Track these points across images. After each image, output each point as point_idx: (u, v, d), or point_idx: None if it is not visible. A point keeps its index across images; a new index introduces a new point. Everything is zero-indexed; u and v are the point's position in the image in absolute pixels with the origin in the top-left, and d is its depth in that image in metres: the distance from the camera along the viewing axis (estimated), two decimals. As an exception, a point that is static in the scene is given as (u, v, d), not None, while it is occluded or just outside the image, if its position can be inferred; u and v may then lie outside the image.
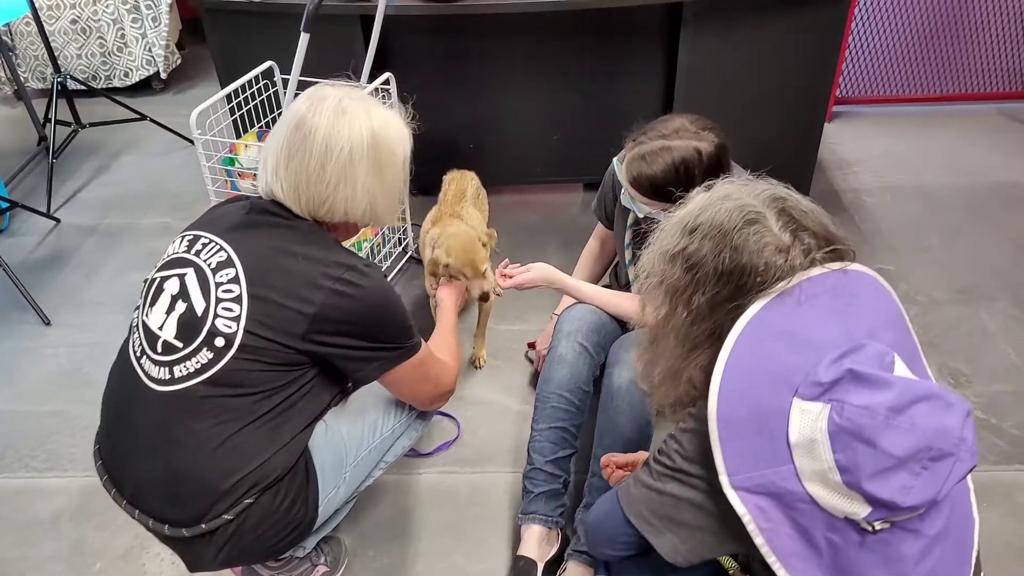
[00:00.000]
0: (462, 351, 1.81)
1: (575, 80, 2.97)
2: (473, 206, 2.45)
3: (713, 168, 1.66)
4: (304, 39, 2.02)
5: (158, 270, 1.47)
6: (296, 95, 1.57)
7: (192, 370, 1.37)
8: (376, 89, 2.48)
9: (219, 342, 1.37)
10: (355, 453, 1.62)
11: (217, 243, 1.44)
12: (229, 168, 2.27)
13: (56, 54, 4.06)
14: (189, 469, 1.39)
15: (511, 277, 1.97)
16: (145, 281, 1.50)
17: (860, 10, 3.62)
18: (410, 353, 1.53)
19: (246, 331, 1.37)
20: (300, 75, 2.48)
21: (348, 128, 1.43)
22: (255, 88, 2.55)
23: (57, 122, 3.49)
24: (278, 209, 1.48)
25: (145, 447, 1.42)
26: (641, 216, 1.83)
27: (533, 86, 2.98)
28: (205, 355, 1.37)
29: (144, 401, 1.41)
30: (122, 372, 1.48)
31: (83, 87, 3.79)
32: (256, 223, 1.47)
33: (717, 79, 2.78)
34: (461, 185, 2.48)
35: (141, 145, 3.77)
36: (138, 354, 1.44)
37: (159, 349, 1.40)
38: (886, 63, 3.80)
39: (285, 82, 2.61)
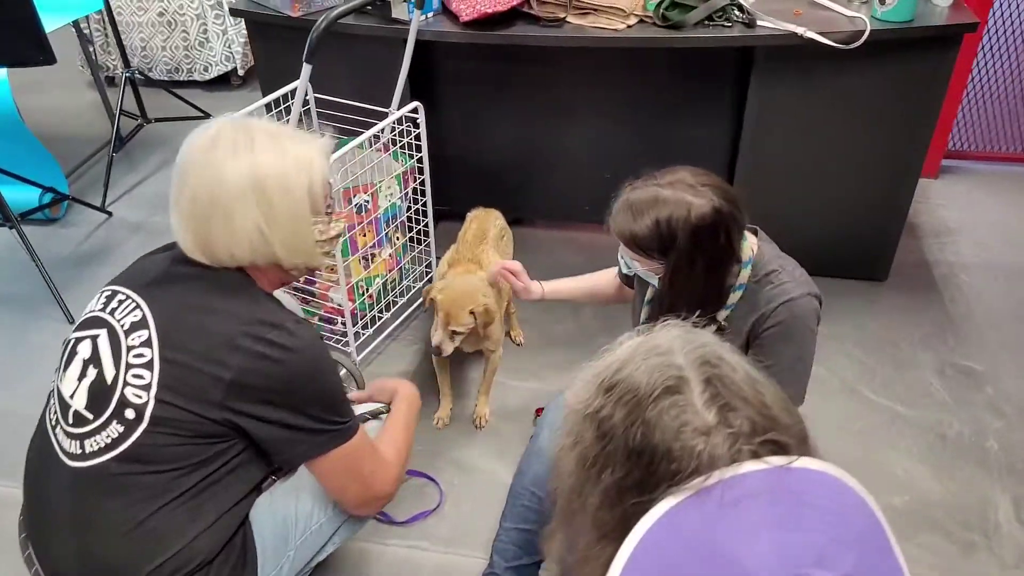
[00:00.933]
0: (409, 452, 1.60)
1: (632, 116, 2.72)
2: (495, 249, 2.26)
3: (701, 232, 1.44)
4: (306, 70, 1.89)
5: (75, 329, 1.37)
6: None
7: (102, 445, 1.26)
8: (403, 118, 2.32)
9: (129, 414, 1.25)
10: (303, 528, 1.49)
11: (134, 300, 1.32)
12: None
13: (143, 45, 4.17)
14: (102, 555, 1.28)
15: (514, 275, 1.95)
16: (64, 342, 1.39)
17: (984, 52, 3.18)
18: (341, 438, 1.37)
19: (157, 400, 1.24)
20: (339, 98, 2.39)
21: (219, 164, 1.29)
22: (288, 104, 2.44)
23: (125, 114, 3.54)
24: (197, 259, 1.35)
25: (59, 526, 1.32)
26: (627, 272, 1.61)
27: (586, 119, 2.75)
28: (116, 429, 1.26)
29: (58, 476, 1.31)
30: (40, 442, 1.38)
31: (165, 80, 3.84)
32: (177, 276, 1.35)
33: (790, 129, 2.47)
34: (483, 225, 2.29)
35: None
36: (53, 424, 1.34)
37: (70, 420, 1.30)
38: (1010, 115, 3.33)
39: (318, 100, 2.49)
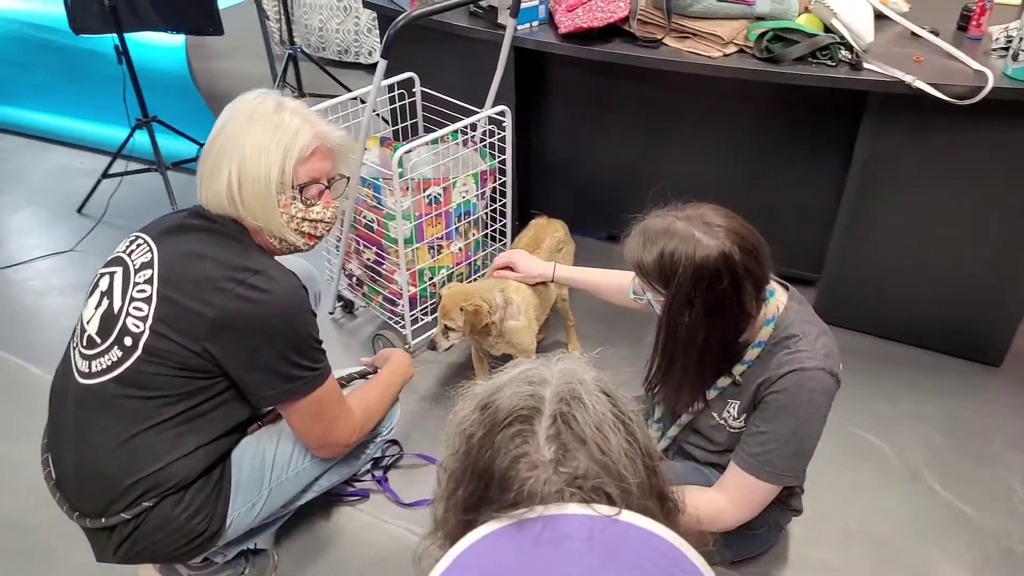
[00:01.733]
0: (381, 415, 1.73)
1: (735, 147, 2.62)
2: (547, 259, 2.27)
3: (703, 273, 1.38)
4: (382, 65, 1.99)
5: (103, 267, 1.55)
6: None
7: (104, 366, 1.43)
8: (492, 119, 2.38)
9: (127, 341, 1.42)
10: (279, 474, 1.62)
11: (148, 245, 1.49)
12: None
13: (320, 26, 4.53)
14: (93, 464, 1.46)
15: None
16: (94, 276, 1.58)
17: None
18: (310, 385, 1.49)
19: (151, 331, 1.40)
20: (448, 95, 2.49)
21: (224, 125, 1.47)
22: (394, 94, 2.58)
23: (287, 86, 3.87)
24: (208, 212, 1.51)
25: (66, 435, 1.51)
26: (634, 298, 1.58)
27: (687, 144, 2.69)
28: (116, 353, 1.43)
29: (72, 390, 1.49)
30: (63, 363, 1.58)
31: (335, 59, 4.14)
32: (187, 227, 1.51)
33: (901, 184, 2.28)
34: (539, 235, 2.30)
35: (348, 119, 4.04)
36: (73, 346, 1.53)
37: (85, 342, 1.48)
38: None
39: (424, 94, 2.61)
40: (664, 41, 2.26)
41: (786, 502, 1.73)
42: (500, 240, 2.64)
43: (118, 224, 3.21)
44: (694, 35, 2.23)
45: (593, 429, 0.84)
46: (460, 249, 2.46)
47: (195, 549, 1.53)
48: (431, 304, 2.45)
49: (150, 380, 1.41)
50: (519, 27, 2.45)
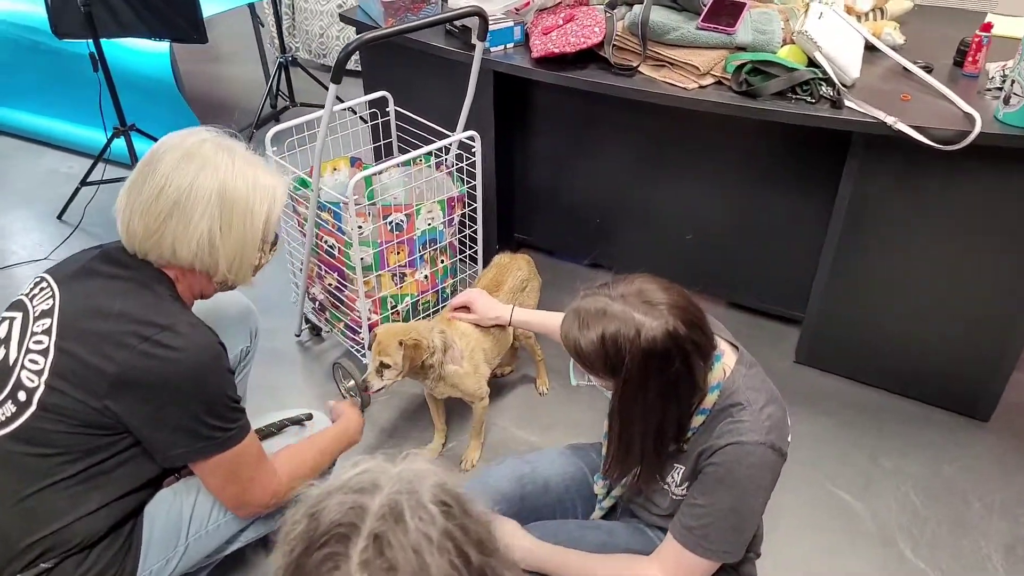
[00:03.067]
0: (313, 473, 1.62)
1: (720, 180, 2.51)
2: (509, 301, 2.17)
3: (652, 356, 1.27)
4: (332, 89, 1.91)
5: (6, 309, 1.47)
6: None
7: None
8: (461, 142, 2.30)
9: (21, 396, 1.33)
10: (197, 528, 1.54)
11: (52, 289, 1.41)
12: (299, 190, 2.26)
13: (320, 32, 4.47)
14: None
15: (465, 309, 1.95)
16: None
17: None
18: (222, 445, 1.40)
19: (47, 386, 1.32)
20: (425, 116, 2.40)
21: (195, 172, 1.37)
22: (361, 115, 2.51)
23: (280, 95, 3.82)
24: (123, 257, 1.43)
25: None
26: (576, 383, 1.46)
27: (672, 175, 2.58)
28: (9, 408, 1.35)
29: None
30: None
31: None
32: (93, 272, 1.42)
33: (886, 229, 2.15)
34: (501, 275, 2.20)
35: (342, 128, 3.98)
36: None
37: None
38: None
39: (397, 114, 2.53)
40: (639, 69, 2.16)
41: (738, 569, 1.62)
42: (472, 268, 2.55)
43: (94, 232, 3.17)
44: (670, 64, 2.12)
45: (409, 553, 0.75)
46: (426, 277, 2.38)
47: None
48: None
49: (47, 437, 1.32)
50: (493, 49, 2.36)
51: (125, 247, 1.42)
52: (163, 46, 3.30)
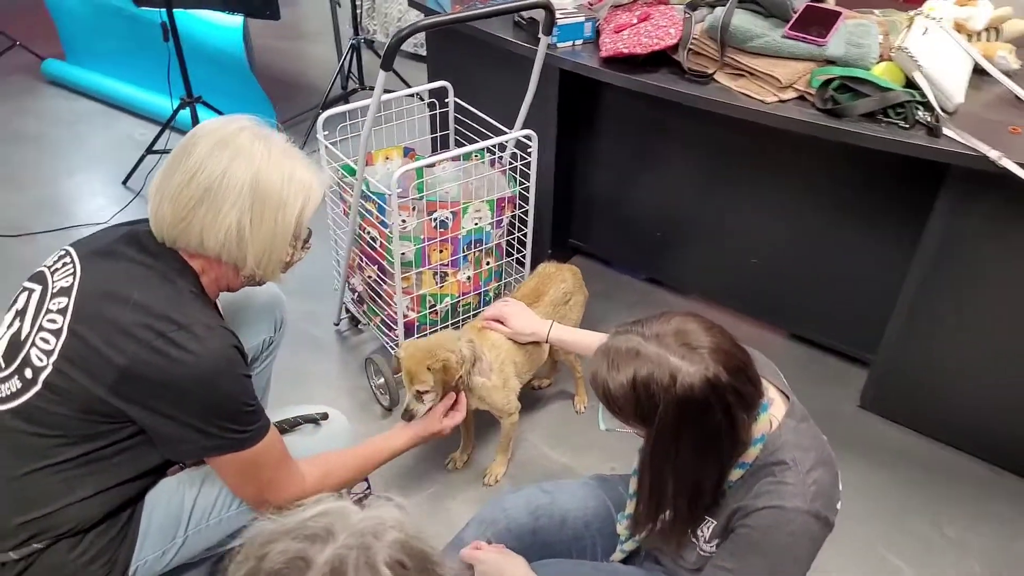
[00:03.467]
0: (347, 486, 1.54)
1: (794, 205, 2.32)
2: (549, 313, 2.04)
3: (689, 406, 1.13)
4: (381, 76, 1.81)
5: (27, 279, 1.43)
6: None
7: (4, 395, 1.32)
8: (518, 140, 2.18)
9: (28, 373, 1.29)
10: (198, 521, 1.49)
11: (73, 266, 1.36)
12: (346, 177, 2.18)
13: (399, 16, 4.43)
14: None
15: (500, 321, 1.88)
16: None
17: None
18: (234, 447, 1.33)
19: (54, 367, 1.27)
20: (487, 110, 2.30)
21: (229, 160, 1.32)
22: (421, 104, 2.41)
23: (351, 76, 3.78)
24: (149, 243, 1.37)
25: None
26: (603, 427, 1.33)
27: (743, 193, 2.40)
28: (15, 383, 1.31)
29: None
30: None
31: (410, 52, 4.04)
32: (117, 254, 1.36)
33: (978, 277, 1.93)
34: (543, 286, 2.07)
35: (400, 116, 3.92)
36: None
37: None
38: None
39: (457, 106, 2.43)
40: (715, 77, 1.99)
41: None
42: (519, 272, 2.43)
43: (153, 201, 3.18)
44: (749, 73, 1.95)
45: None
46: (469, 278, 2.27)
47: None
48: (429, 332, 2.27)
49: (48, 418, 1.28)
50: (560, 45, 2.23)
51: (154, 232, 1.36)
52: (236, 20, 3.28)
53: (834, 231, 2.27)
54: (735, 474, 1.26)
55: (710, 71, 2.00)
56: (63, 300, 1.31)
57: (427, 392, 1.71)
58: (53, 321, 1.30)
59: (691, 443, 1.17)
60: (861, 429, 2.29)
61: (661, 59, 2.10)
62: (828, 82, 1.85)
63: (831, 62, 1.93)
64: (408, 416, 1.73)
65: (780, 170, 2.30)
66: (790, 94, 1.91)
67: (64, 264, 1.37)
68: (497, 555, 1.42)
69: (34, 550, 1.32)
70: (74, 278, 1.33)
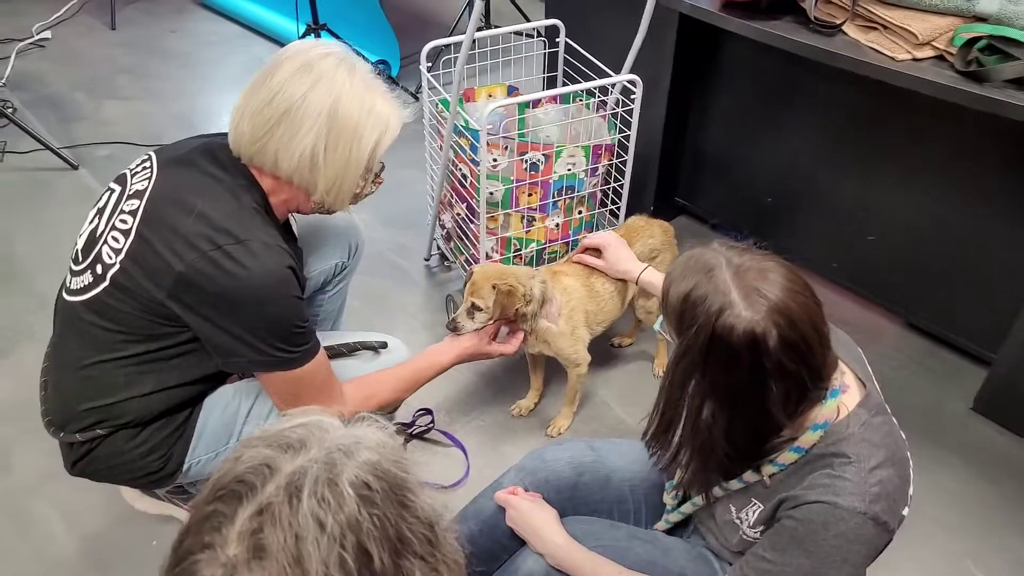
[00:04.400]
0: (389, 406, 1.55)
1: (924, 177, 2.10)
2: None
3: (718, 345, 1.06)
4: (478, 6, 1.75)
5: (113, 179, 1.49)
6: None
7: (79, 287, 1.40)
8: (624, 85, 2.07)
9: (99, 269, 1.37)
10: (251, 429, 1.55)
11: (151, 171, 1.41)
12: (446, 112, 2.15)
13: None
14: (56, 381, 1.46)
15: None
16: None
17: None
18: (282, 365, 1.38)
19: (121, 266, 1.34)
20: (595, 55, 2.21)
21: (311, 84, 1.32)
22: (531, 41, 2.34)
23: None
24: (223, 156, 1.40)
25: (52, 344, 1.51)
26: (656, 328, 1.27)
27: (864, 161, 2.20)
28: (88, 277, 1.38)
29: (59, 301, 1.48)
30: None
31: None
32: (191, 163, 1.41)
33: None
34: (629, 239, 1.96)
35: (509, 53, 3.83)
36: (72, 255, 1.50)
37: (74, 256, 1.44)
38: None
39: (568, 47, 2.34)
40: (843, 28, 1.80)
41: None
42: (611, 224, 2.34)
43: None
44: (883, 26, 1.75)
45: (288, 538, 0.63)
46: (557, 225, 2.21)
47: (151, 483, 1.51)
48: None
49: (114, 313, 1.35)
50: (679, -15, 2.09)
51: (231, 147, 1.39)
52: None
53: (967, 213, 2.04)
54: (788, 457, 1.16)
55: (838, 21, 1.81)
56: (136, 203, 1.36)
57: (481, 311, 1.68)
58: (124, 222, 1.35)
59: (708, 385, 1.10)
60: (969, 433, 2.09)
61: (786, 6, 1.92)
62: (974, 41, 1.63)
63: (981, 19, 1.70)
64: (452, 326, 1.70)
65: (912, 140, 2.07)
66: (927, 52, 1.70)
67: (144, 168, 1.42)
68: (529, 503, 1.39)
69: (97, 435, 1.41)
70: (149, 182, 1.37)
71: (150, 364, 1.38)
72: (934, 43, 1.70)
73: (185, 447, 1.48)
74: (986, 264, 2.06)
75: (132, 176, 1.42)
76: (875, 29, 1.78)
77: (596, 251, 1.93)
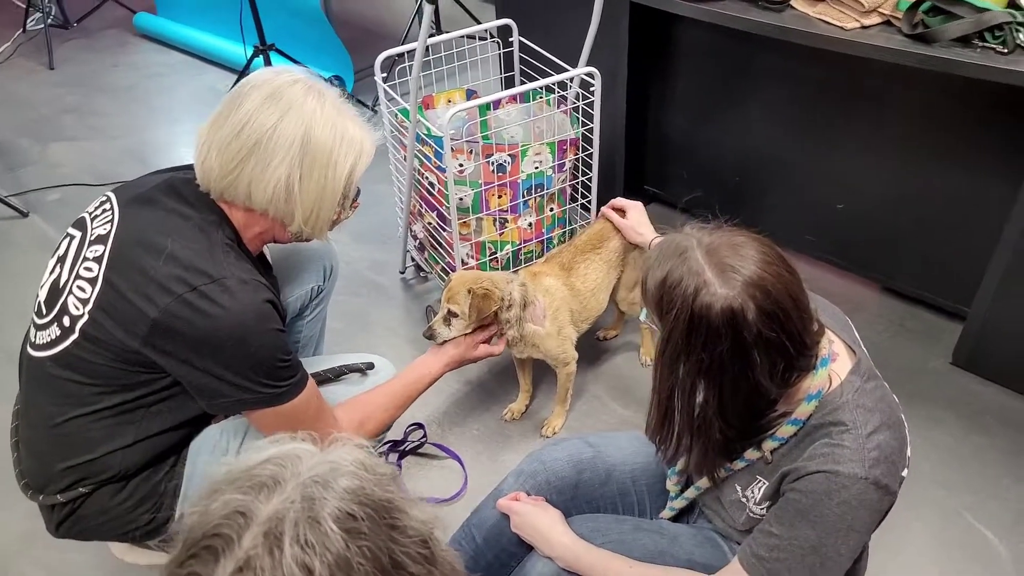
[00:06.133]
0: (383, 427, 1.53)
1: (885, 143, 2.13)
2: (612, 263, 1.96)
3: (700, 327, 1.06)
4: (428, 10, 1.74)
5: (71, 224, 1.44)
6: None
7: (45, 341, 1.34)
8: (582, 79, 2.08)
9: (66, 321, 1.31)
10: None
11: (112, 212, 1.36)
12: (406, 121, 2.14)
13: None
14: (30, 440, 1.40)
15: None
16: None
17: None
18: (269, 401, 1.33)
19: (90, 316, 1.28)
20: (550, 52, 2.20)
21: (280, 113, 1.29)
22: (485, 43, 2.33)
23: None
24: (188, 192, 1.36)
25: (20, 402, 1.45)
26: (641, 318, 1.27)
27: (831, 134, 2.22)
28: (55, 330, 1.33)
29: (24, 357, 1.42)
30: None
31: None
32: (155, 201, 1.36)
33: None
34: (606, 232, 1.98)
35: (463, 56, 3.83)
36: (34, 307, 1.44)
37: (36, 309, 1.39)
38: None
39: (523, 45, 2.33)
40: (791, 3, 1.82)
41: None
42: (584, 218, 2.34)
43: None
44: (830, -2, 1.78)
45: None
46: (531, 225, 2.20)
47: (143, 537, 1.45)
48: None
49: (86, 366, 1.29)
50: (626, -25, 2.10)
51: (198, 182, 1.35)
52: (311, -35, 3.27)
53: (928, 173, 2.07)
54: (786, 430, 1.17)
55: (787, -3, 1.83)
56: (100, 248, 1.31)
57: (457, 317, 1.67)
58: (89, 269, 1.30)
59: (695, 364, 1.10)
60: (953, 388, 2.12)
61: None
62: (918, 4, 1.66)
63: (925, -19, 1.73)
64: (429, 334, 1.69)
65: (868, 106, 2.10)
66: (874, 19, 1.73)
67: (104, 210, 1.37)
68: (532, 507, 1.38)
69: (80, 494, 1.35)
70: (112, 225, 1.33)
71: (129, 414, 1.33)
72: (880, 9, 1.73)
73: (175, 495, 1.42)
74: (952, 221, 2.10)
75: (92, 220, 1.37)
76: (822, 1, 1.80)
77: (622, 212, 1.97)
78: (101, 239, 1.32)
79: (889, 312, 2.35)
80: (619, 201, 1.97)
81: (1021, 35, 1.57)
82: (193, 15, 4.00)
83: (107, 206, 1.38)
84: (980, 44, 1.60)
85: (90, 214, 1.40)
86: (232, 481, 0.66)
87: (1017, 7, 1.61)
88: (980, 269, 1.99)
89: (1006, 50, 1.58)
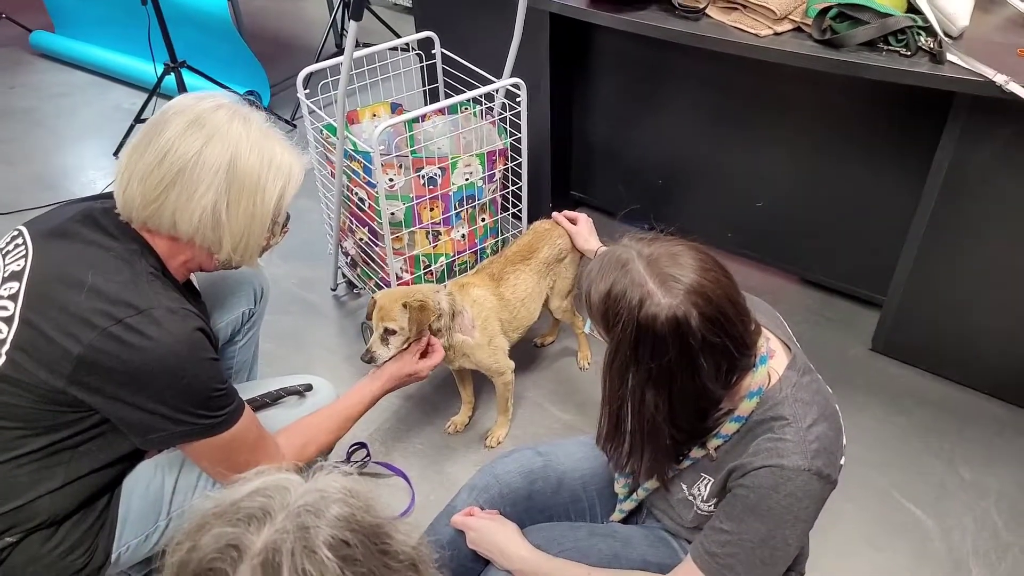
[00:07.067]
0: (325, 450, 1.50)
1: (799, 142, 2.23)
2: (542, 273, 1.98)
3: (647, 336, 1.09)
4: (353, 27, 1.73)
5: None
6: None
7: None
8: (507, 89, 2.09)
9: None
10: (181, 501, 1.44)
11: (26, 248, 1.29)
12: (331, 137, 2.11)
13: (390, -32, 4.28)
14: None
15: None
16: None
17: None
18: (205, 432, 1.28)
19: (7, 358, 1.22)
20: (474, 63, 2.21)
21: (204, 140, 1.25)
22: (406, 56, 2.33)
23: (344, 33, 3.66)
24: (107, 222, 1.31)
25: None
26: (586, 330, 1.30)
27: (746, 134, 2.31)
28: None
29: None
30: None
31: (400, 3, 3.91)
32: (72, 233, 1.30)
33: (990, 202, 1.85)
34: (535, 243, 2.00)
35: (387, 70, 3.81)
36: None
37: None
38: None
39: (445, 57, 2.34)
40: (707, 12, 1.89)
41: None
42: (516, 227, 2.36)
43: (146, 172, 3.13)
44: (743, 6, 1.85)
45: None
46: (463, 236, 2.21)
47: None
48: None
49: (6, 409, 1.23)
50: (545, -14, 2.13)
51: (119, 212, 1.30)
52: (220, -18, 3.19)
53: (840, 169, 2.18)
54: (730, 428, 1.21)
55: (701, 5, 1.89)
56: (14, 285, 1.25)
57: (395, 333, 1.65)
58: (5, 308, 1.24)
59: (644, 373, 1.13)
60: (873, 373, 2.23)
61: (651, -3, 1.99)
62: (825, 11, 1.74)
63: (830, -11, 1.82)
64: (368, 358, 1.66)
65: (782, 108, 2.20)
66: (786, 26, 1.81)
67: (17, 246, 1.30)
68: (488, 522, 1.38)
69: (7, 544, 1.28)
70: (26, 261, 1.26)
71: (56, 456, 1.27)
72: (791, 16, 1.81)
73: (110, 536, 1.36)
74: (863, 213, 2.21)
75: (4, 255, 1.30)
76: (736, 9, 1.87)
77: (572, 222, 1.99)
78: (15, 275, 1.26)
79: (809, 303, 2.45)
80: (569, 213, 2.01)
81: (922, 38, 1.67)
82: (95, 32, 3.83)
83: (19, 240, 1.31)
84: (885, 47, 1.70)
85: (1, 250, 1.33)
86: (220, 515, 0.66)
87: (916, 11, 1.71)
88: (893, 259, 2.10)
89: (909, 52, 1.67)
